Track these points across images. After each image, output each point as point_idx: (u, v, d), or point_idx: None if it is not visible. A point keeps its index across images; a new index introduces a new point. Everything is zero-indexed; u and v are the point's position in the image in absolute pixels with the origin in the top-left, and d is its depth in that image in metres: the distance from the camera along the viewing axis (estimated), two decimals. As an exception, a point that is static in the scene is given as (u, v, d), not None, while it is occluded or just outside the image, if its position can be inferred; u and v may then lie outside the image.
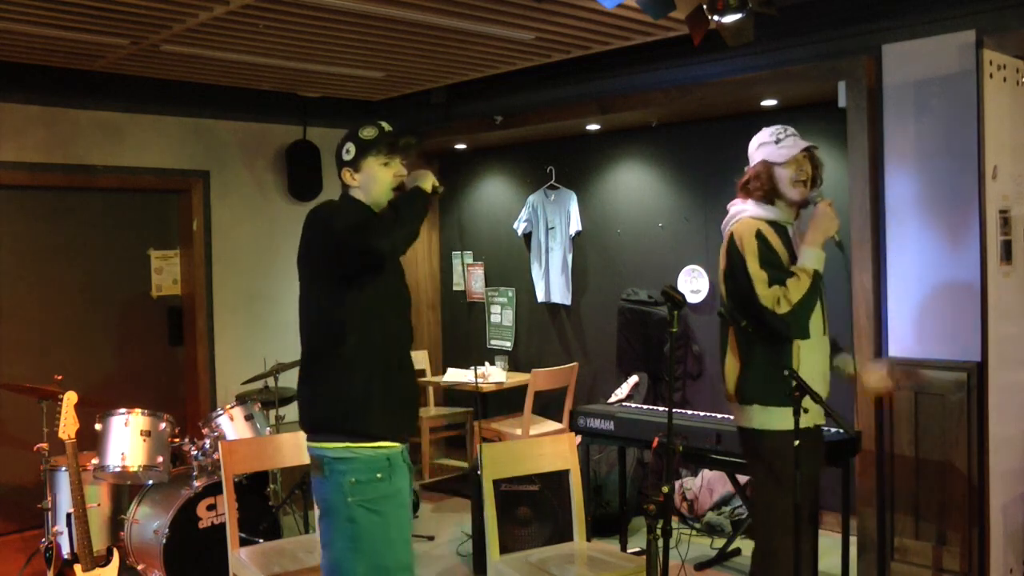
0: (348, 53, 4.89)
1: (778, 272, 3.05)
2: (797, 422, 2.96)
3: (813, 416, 3.08)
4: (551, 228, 6.48)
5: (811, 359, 3.10)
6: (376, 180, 2.72)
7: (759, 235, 3.08)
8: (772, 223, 3.14)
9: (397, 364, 2.69)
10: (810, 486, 3.18)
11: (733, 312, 3.15)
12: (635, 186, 6.08)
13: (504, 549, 3.51)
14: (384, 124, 2.77)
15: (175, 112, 5.95)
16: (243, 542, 3.82)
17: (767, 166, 3.15)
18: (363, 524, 2.57)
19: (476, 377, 5.73)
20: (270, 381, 5.16)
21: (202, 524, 4.19)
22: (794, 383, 2.93)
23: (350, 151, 2.74)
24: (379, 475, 2.59)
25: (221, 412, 4.54)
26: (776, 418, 3.06)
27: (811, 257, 3.06)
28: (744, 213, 3.18)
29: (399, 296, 2.78)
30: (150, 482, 4.36)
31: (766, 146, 3.18)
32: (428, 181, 2.71)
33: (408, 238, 2.62)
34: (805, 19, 4.49)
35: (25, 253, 5.55)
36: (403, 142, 2.73)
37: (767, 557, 3.10)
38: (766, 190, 3.15)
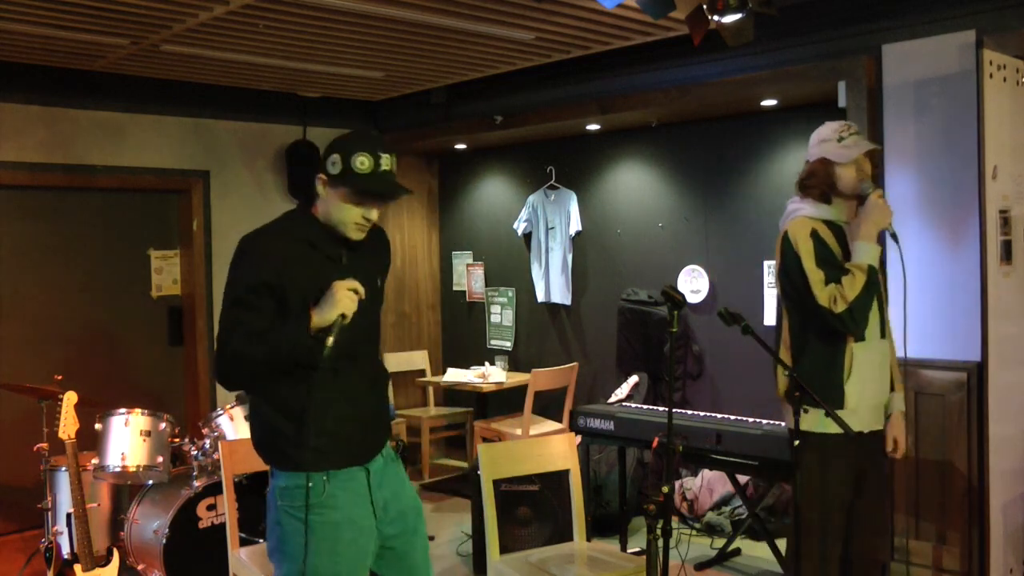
0: (348, 53, 4.89)
1: (834, 271, 3.01)
2: (797, 423, 2.96)
3: (864, 421, 3.05)
4: (551, 228, 6.48)
5: (866, 362, 3.07)
6: (342, 210, 2.45)
7: (814, 234, 3.05)
8: (828, 222, 3.10)
9: (335, 411, 2.51)
10: (868, 494, 3.14)
11: (790, 310, 3.12)
12: (635, 186, 6.08)
13: (504, 549, 3.51)
14: (384, 159, 2.43)
15: (175, 112, 5.94)
16: (243, 542, 3.82)
17: (826, 164, 3.10)
18: (287, 529, 2.51)
19: (481, 376, 5.71)
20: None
21: (202, 524, 4.19)
22: (795, 384, 2.92)
23: (336, 166, 2.42)
24: (310, 484, 2.47)
25: (221, 412, 4.54)
26: (824, 420, 3.00)
27: (865, 252, 3.02)
28: (799, 212, 3.14)
29: (341, 351, 2.42)
30: (150, 482, 4.35)
31: (827, 143, 3.12)
32: (334, 307, 2.37)
33: (247, 384, 2.51)
34: (805, 19, 4.49)
35: (25, 253, 5.55)
36: (385, 187, 2.45)
37: (801, 560, 3.07)
38: (824, 188, 3.10)
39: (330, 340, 2.33)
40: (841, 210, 3.14)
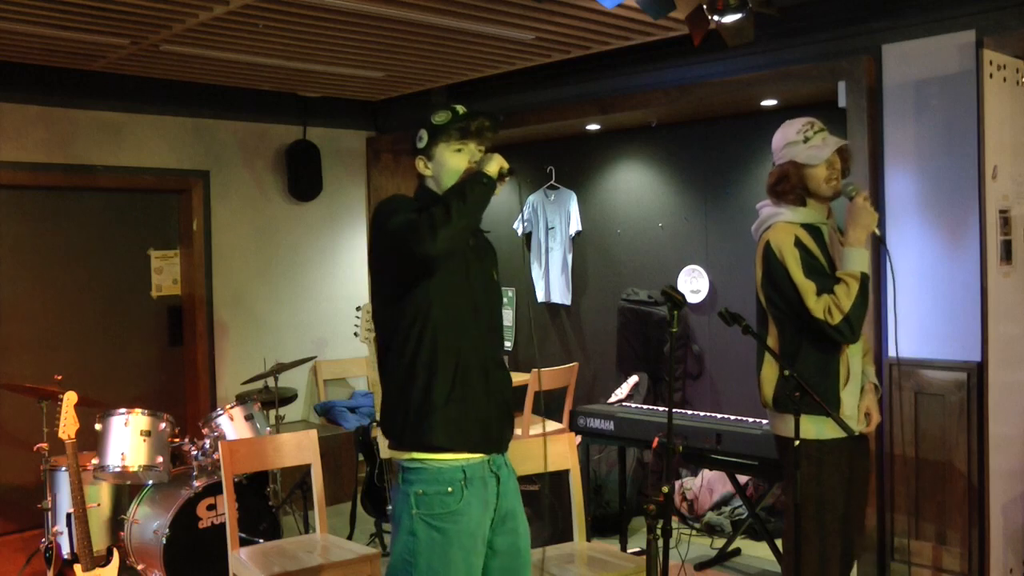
0: (348, 53, 4.89)
1: (824, 279, 2.98)
2: (798, 423, 2.95)
3: (854, 426, 3.03)
4: (551, 228, 6.48)
5: (856, 367, 3.07)
6: (447, 168, 2.52)
7: (798, 242, 3.00)
8: (806, 225, 3.07)
9: (463, 371, 2.47)
10: (856, 495, 3.14)
11: (779, 320, 3.08)
12: (635, 186, 6.08)
13: (504, 549, 3.50)
14: (459, 107, 2.54)
15: (175, 112, 5.94)
16: (243, 542, 3.83)
17: (797, 167, 3.05)
18: (423, 539, 2.42)
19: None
20: (270, 381, 5.16)
21: (202, 524, 4.19)
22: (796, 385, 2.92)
23: (423, 138, 2.54)
24: (449, 489, 2.42)
25: (221, 412, 4.54)
26: (816, 427, 3.00)
27: (856, 259, 2.98)
28: (778, 217, 3.09)
29: (465, 296, 2.53)
30: (150, 482, 4.36)
31: (794, 146, 3.07)
32: (494, 164, 2.48)
33: (459, 235, 2.41)
34: (805, 19, 4.49)
35: (25, 253, 5.55)
36: (475, 125, 2.51)
37: (796, 568, 3.07)
38: (798, 192, 3.07)
39: (507, 177, 2.50)
40: (818, 210, 3.11)
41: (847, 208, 3.08)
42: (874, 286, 4.30)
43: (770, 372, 3.10)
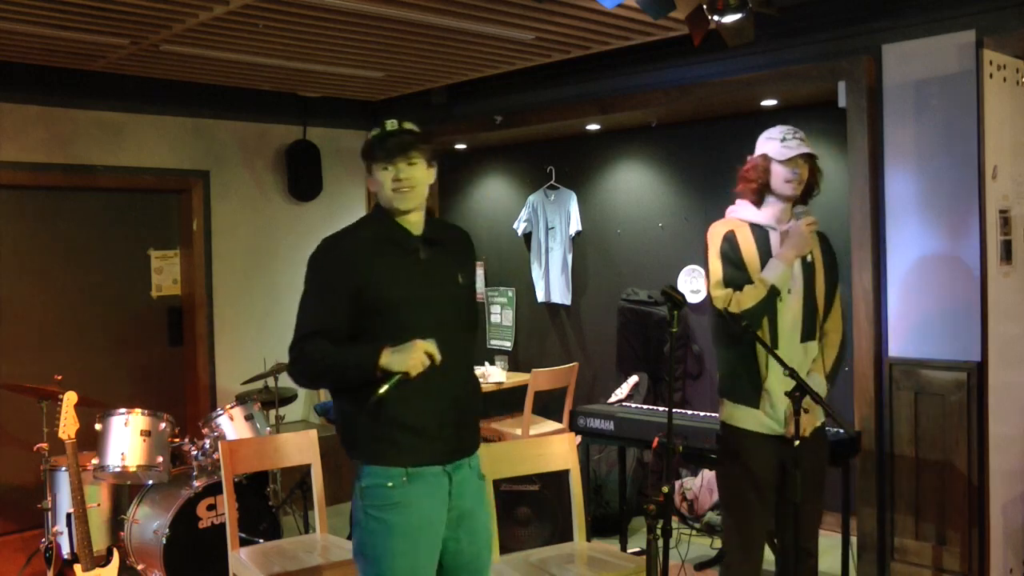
0: (348, 53, 4.89)
1: (739, 273, 3.14)
2: (798, 423, 2.96)
3: (783, 422, 3.12)
4: (551, 228, 6.48)
5: (778, 366, 3.10)
6: (381, 186, 2.55)
7: (729, 236, 3.18)
8: (755, 226, 3.20)
9: (403, 384, 2.45)
10: (811, 488, 3.19)
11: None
12: (635, 186, 6.08)
13: (504, 549, 3.51)
14: (388, 123, 2.58)
15: (175, 112, 5.95)
16: (243, 542, 3.83)
17: (766, 160, 3.20)
18: (368, 529, 2.52)
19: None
20: (270, 381, 5.16)
21: (202, 524, 4.19)
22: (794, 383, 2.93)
23: (365, 159, 2.61)
24: (390, 484, 2.50)
25: (221, 412, 4.54)
26: (738, 415, 3.18)
27: (774, 271, 3.11)
28: (731, 214, 3.28)
29: (410, 307, 2.53)
30: (150, 482, 4.36)
31: (771, 141, 3.22)
32: (401, 363, 2.39)
33: (309, 385, 2.60)
34: (805, 19, 4.49)
35: (25, 253, 5.55)
36: (394, 143, 2.52)
37: (726, 558, 3.28)
38: (760, 183, 3.20)
39: (383, 390, 2.37)
40: (772, 212, 3.21)
41: (790, 227, 3.18)
42: (873, 286, 4.31)
43: (719, 359, 3.33)
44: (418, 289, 2.55)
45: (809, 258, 3.19)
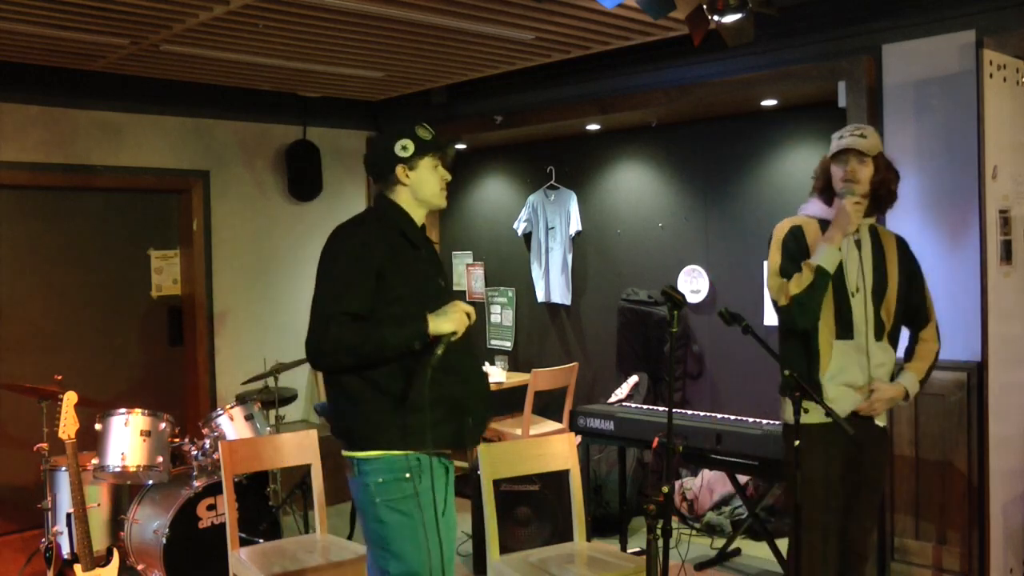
0: (348, 53, 4.89)
1: (792, 265, 3.13)
2: (798, 423, 2.95)
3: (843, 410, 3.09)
4: (551, 228, 6.48)
5: (843, 363, 3.11)
6: (427, 182, 2.70)
7: (795, 230, 3.17)
8: (824, 222, 3.18)
9: (411, 377, 2.55)
10: (869, 485, 3.20)
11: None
12: (635, 186, 6.08)
13: (504, 549, 3.51)
14: (429, 127, 2.76)
15: (175, 112, 5.95)
16: (243, 542, 3.83)
17: (825, 159, 3.22)
18: (392, 525, 2.55)
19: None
20: (270, 381, 5.16)
21: (202, 524, 4.19)
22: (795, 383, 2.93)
23: (407, 148, 2.67)
24: (407, 475, 2.54)
25: (221, 412, 4.54)
26: (805, 409, 3.07)
27: (820, 254, 3.08)
28: (801, 211, 3.29)
29: (417, 304, 2.60)
30: (150, 482, 4.36)
31: (832, 140, 3.22)
32: (450, 323, 2.54)
33: (333, 366, 2.55)
34: (805, 19, 4.49)
35: (25, 253, 5.55)
36: (451, 151, 2.75)
37: (792, 551, 3.15)
38: (822, 181, 3.23)
39: (440, 350, 2.50)
40: (848, 211, 3.16)
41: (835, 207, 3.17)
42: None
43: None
44: (427, 282, 2.68)
45: (856, 236, 3.14)
